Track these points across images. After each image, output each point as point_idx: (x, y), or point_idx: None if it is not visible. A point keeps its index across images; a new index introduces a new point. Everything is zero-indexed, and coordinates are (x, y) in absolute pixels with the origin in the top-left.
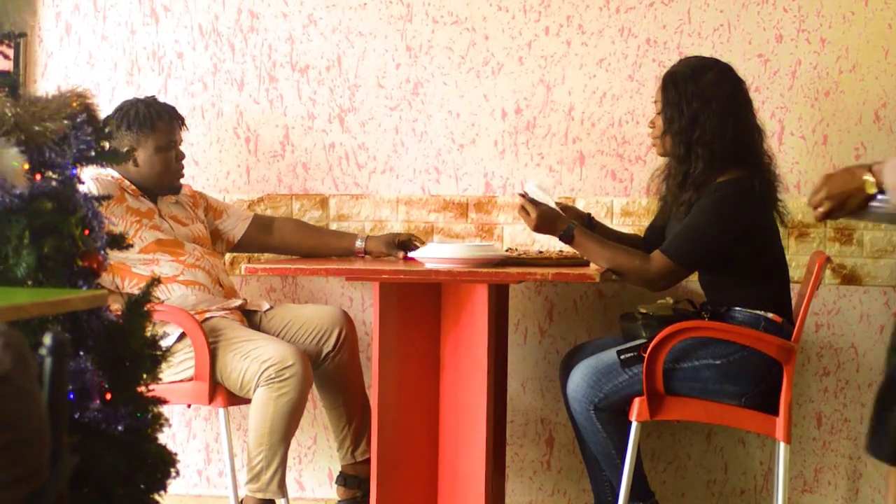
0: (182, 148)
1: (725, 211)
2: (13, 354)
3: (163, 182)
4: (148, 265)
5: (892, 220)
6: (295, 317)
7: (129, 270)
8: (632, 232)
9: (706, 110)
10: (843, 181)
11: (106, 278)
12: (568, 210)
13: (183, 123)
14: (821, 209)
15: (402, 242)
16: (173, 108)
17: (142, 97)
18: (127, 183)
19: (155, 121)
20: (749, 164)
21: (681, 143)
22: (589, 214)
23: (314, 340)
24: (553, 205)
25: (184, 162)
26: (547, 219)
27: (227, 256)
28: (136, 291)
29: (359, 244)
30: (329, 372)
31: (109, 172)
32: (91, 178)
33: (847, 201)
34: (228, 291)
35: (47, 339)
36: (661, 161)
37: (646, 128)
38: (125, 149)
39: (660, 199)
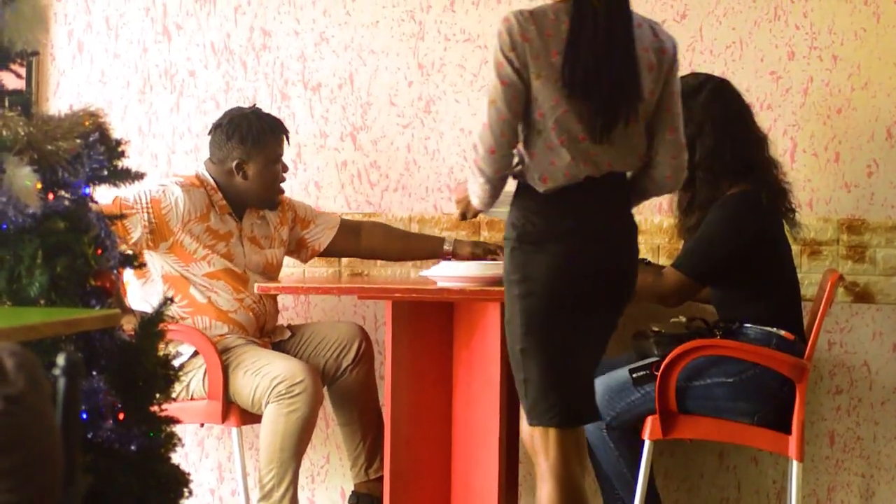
0: (196, 166)
1: (733, 222)
2: (26, 375)
3: (267, 197)
4: (206, 291)
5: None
6: (314, 332)
7: (186, 288)
8: (646, 251)
9: (700, 134)
10: (461, 191)
11: (162, 285)
12: None
13: (287, 136)
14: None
15: (489, 250)
16: (280, 122)
17: (247, 108)
18: (218, 197)
19: (267, 134)
20: (755, 175)
21: None
22: None
23: (333, 354)
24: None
25: (284, 179)
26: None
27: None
28: (179, 311)
29: (446, 247)
30: (346, 386)
31: (205, 178)
32: (180, 187)
33: (469, 207)
34: (266, 336)
35: (60, 360)
36: None
37: None
38: (235, 162)
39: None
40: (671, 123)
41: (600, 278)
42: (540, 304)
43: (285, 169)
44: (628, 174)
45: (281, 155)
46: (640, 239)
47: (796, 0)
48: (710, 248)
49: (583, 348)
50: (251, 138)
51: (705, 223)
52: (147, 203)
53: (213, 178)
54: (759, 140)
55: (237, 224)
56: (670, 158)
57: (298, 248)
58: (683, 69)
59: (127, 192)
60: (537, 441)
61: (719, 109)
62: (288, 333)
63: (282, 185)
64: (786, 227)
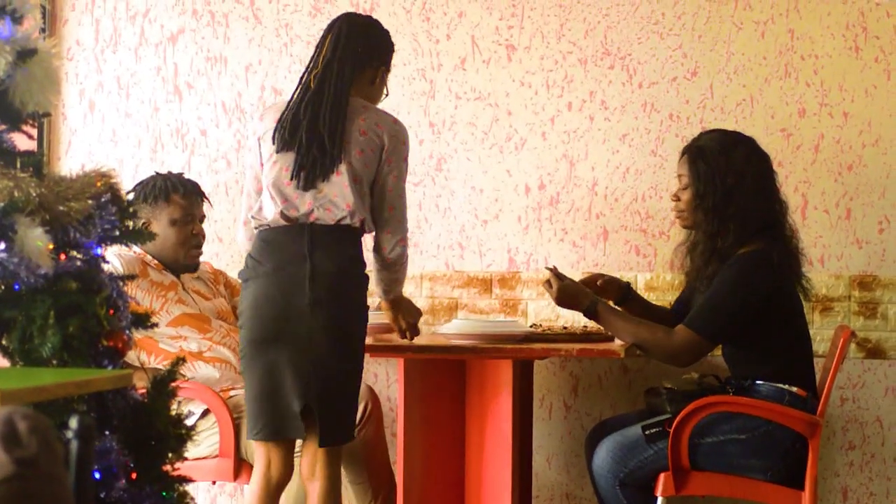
0: (205, 224)
1: (744, 281)
2: (39, 438)
3: (178, 256)
4: (175, 340)
5: None
6: None
7: (155, 345)
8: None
9: (741, 185)
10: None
11: (132, 354)
12: (607, 281)
13: (204, 198)
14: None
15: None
16: (194, 183)
17: (164, 172)
18: (150, 258)
19: (170, 193)
20: (770, 236)
21: (714, 218)
22: (627, 284)
23: None
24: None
25: (206, 238)
26: (568, 293)
27: None
28: (161, 367)
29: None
30: (354, 447)
31: (133, 248)
32: (114, 255)
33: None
34: None
35: (73, 423)
36: (684, 235)
37: (670, 202)
38: (142, 222)
39: (685, 272)
40: (390, 203)
41: (279, 315)
42: (244, 334)
43: (199, 231)
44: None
45: (191, 215)
46: (652, 296)
47: (807, 57)
48: (723, 308)
49: (275, 375)
50: (152, 197)
51: (718, 282)
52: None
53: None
54: (783, 203)
55: (176, 277)
56: (387, 234)
57: (231, 316)
58: (694, 127)
59: None
60: (254, 451)
61: (759, 165)
62: None
63: (194, 248)
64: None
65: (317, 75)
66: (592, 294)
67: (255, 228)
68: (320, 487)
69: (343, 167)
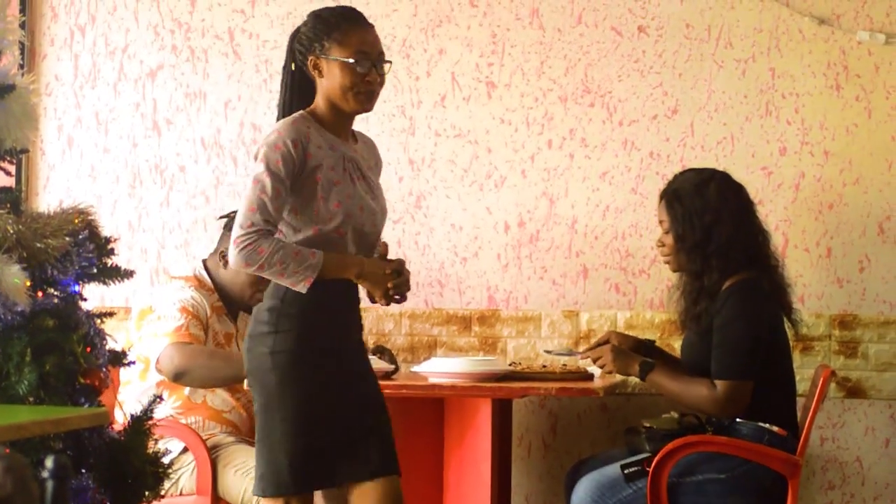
0: (186, 261)
1: (748, 310)
2: (14, 478)
3: (244, 295)
4: (203, 391)
5: None
6: None
7: (182, 389)
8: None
9: (718, 222)
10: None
11: (158, 389)
12: (627, 339)
13: None
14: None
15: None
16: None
17: None
18: (214, 298)
19: None
20: (756, 266)
21: (697, 258)
22: (651, 341)
23: None
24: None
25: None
26: (623, 358)
27: None
28: (171, 412)
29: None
30: None
31: (203, 278)
32: (193, 289)
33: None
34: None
35: (49, 462)
36: (665, 274)
37: (650, 240)
38: (222, 249)
39: (678, 314)
40: None
41: None
42: None
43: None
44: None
45: None
46: (632, 332)
47: (788, 96)
48: (738, 343)
49: None
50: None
51: (722, 323)
52: (192, 310)
53: (210, 274)
54: (763, 233)
55: (234, 324)
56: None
57: None
58: (675, 165)
59: (163, 309)
60: None
61: (735, 198)
62: None
63: (261, 292)
64: (785, 323)
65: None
66: (641, 357)
67: None
68: None
69: None
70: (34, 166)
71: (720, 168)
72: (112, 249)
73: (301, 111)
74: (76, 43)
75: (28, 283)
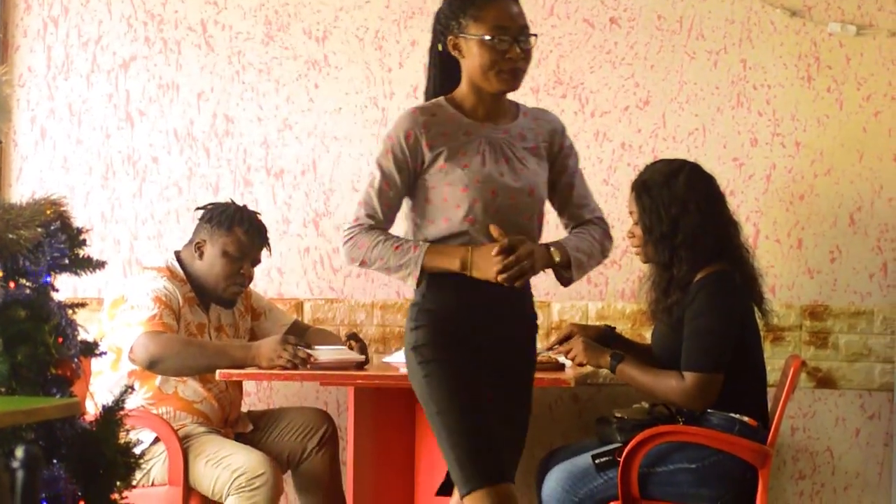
0: (159, 252)
1: (719, 302)
2: None
3: (218, 288)
4: (174, 381)
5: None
6: (281, 415)
7: (152, 379)
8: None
9: (685, 213)
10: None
11: (129, 379)
12: (588, 329)
13: (265, 245)
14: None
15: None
16: (262, 226)
17: (241, 204)
18: (187, 289)
19: (234, 225)
20: (727, 257)
21: (665, 249)
22: (611, 328)
23: (298, 437)
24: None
25: (252, 282)
26: (593, 350)
27: None
28: (142, 402)
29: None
30: (311, 470)
31: (175, 269)
32: (166, 279)
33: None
34: (231, 426)
35: (19, 452)
36: (636, 265)
37: (621, 231)
38: (197, 240)
39: (648, 305)
40: None
41: None
42: None
43: (248, 274)
44: None
45: (246, 255)
46: (604, 323)
47: (759, 87)
48: (709, 336)
49: None
50: (216, 221)
51: (693, 315)
52: (165, 300)
53: (183, 265)
54: (734, 224)
55: (206, 315)
56: None
57: (249, 339)
58: (646, 156)
59: (136, 298)
60: None
61: (703, 189)
62: (250, 427)
63: (236, 285)
64: (756, 313)
65: None
66: (611, 350)
67: None
68: None
69: None
70: (7, 157)
71: (691, 160)
72: (84, 240)
73: (439, 97)
74: (49, 34)
75: (0, 274)
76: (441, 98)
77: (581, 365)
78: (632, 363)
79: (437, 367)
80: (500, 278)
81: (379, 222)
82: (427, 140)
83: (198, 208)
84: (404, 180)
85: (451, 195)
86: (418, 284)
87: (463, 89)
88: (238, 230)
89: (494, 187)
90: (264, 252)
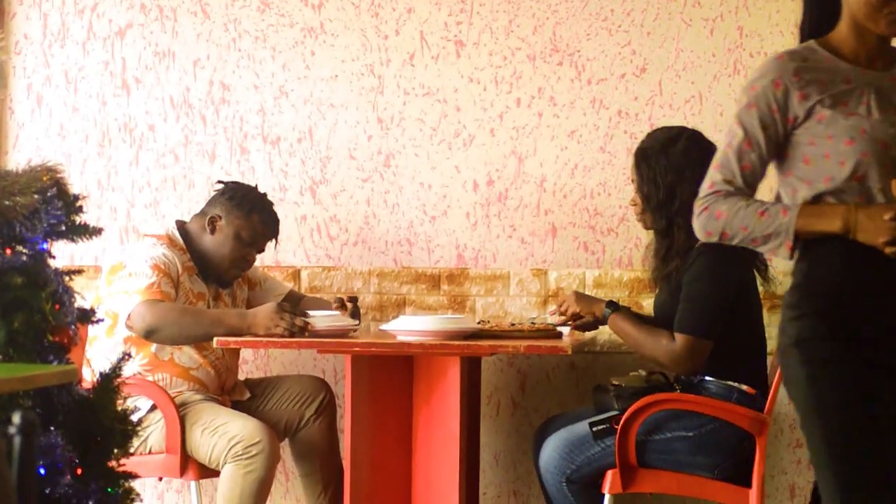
0: (156, 220)
1: (716, 269)
2: None
3: (222, 268)
4: (170, 348)
5: None
6: (279, 383)
7: (148, 346)
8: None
9: (681, 181)
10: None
11: (125, 346)
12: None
13: (275, 239)
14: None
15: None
16: (277, 220)
17: (263, 192)
18: (186, 258)
19: (253, 212)
20: None
21: (662, 217)
22: (612, 302)
23: (296, 405)
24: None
25: (245, 266)
26: (587, 299)
27: None
28: (138, 369)
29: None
30: (308, 437)
31: (175, 238)
32: (165, 247)
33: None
34: (227, 394)
35: (16, 418)
36: (633, 232)
37: (618, 199)
38: (213, 214)
39: (650, 272)
40: None
41: None
42: None
43: (251, 260)
44: None
45: (255, 243)
46: (600, 293)
47: (756, 55)
48: (703, 301)
49: None
50: (238, 203)
51: (688, 278)
52: (164, 268)
53: (185, 235)
54: None
55: (204, 284)
56: None
57: (245, 308)
58: (643, 124)
59: (134, 266)
60: None
61: (700, 157)
62: (247, 395)
63: (238, 269)
64: (758, 280)
65: None
66: (605, 300)
67: None
68: None
69: None
70: (3, 125)
71: (688, 126)
72: (81, 207)
73: (810, 41)
74: (45, 2)
75: None
76: (812, 41)
77: (575, 318)
78: (626, 316)
79: (828, 369)
80: (887, 250)
81: (739, 188)
82: (799, 89)
83: (219, 181)
84: (770, 138)
85: (833, 150)
86: (792, 255)
87: (842, 31)
88: (256, 217)
89: (886, 139)
90: (269, 244)
